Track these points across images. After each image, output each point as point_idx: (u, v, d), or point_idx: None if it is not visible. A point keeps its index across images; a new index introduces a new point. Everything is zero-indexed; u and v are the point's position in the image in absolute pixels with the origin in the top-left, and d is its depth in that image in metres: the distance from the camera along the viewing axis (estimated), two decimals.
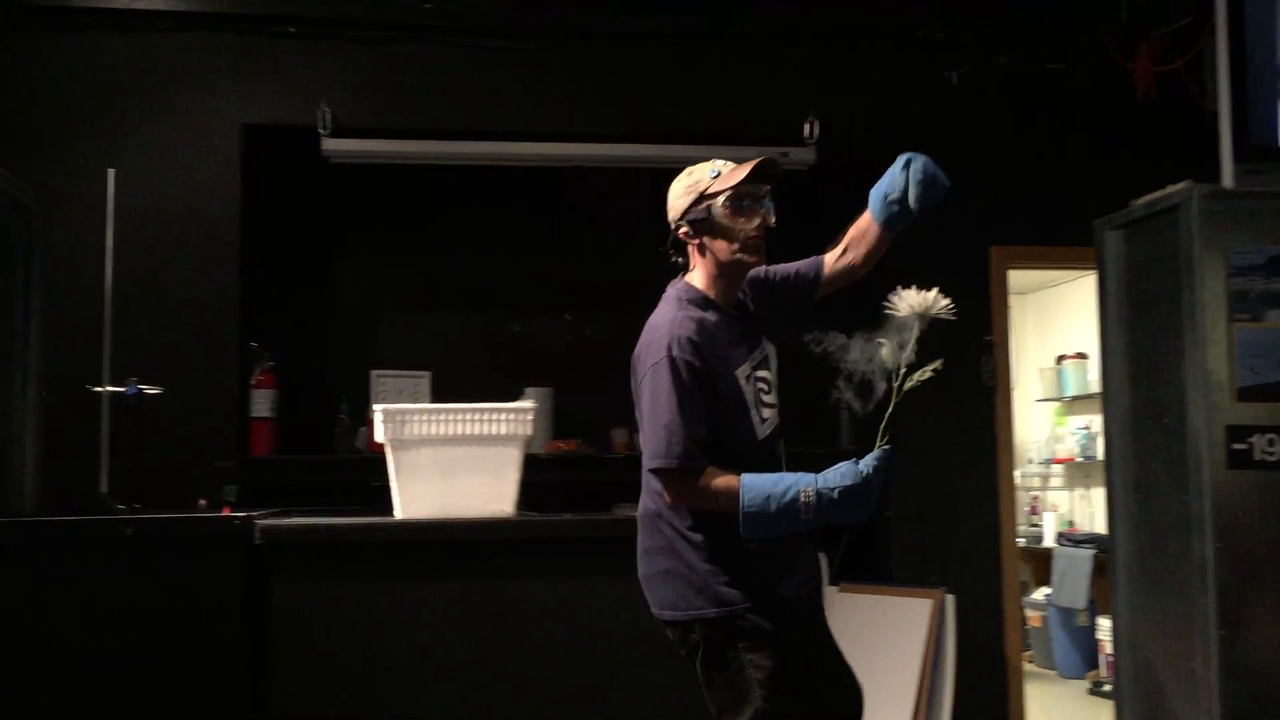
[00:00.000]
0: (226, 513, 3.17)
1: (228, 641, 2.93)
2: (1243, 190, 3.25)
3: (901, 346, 2.24)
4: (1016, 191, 4.74)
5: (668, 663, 2.85)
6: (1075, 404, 7.50)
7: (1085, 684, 6.27)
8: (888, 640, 4.08)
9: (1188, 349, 3.26)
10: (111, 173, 3.97)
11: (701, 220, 2.45)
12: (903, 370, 2.21)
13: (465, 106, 4.58)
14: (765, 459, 2.36)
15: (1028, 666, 6.57)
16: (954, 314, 2.29)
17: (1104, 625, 5.86)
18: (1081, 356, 7.22)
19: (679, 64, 4.66)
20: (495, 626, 2.83)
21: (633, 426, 4.79)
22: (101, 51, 4.41)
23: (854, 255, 2.56)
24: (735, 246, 2.43)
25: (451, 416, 2.89)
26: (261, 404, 4.45)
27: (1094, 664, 6.28)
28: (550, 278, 5.03)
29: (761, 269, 2.51)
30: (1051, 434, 7.77)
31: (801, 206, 4.87)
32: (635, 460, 4.63)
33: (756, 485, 2.24)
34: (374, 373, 4.60)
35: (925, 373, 2.22)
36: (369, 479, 3.57)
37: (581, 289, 5.03)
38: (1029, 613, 6.81)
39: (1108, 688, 5.40)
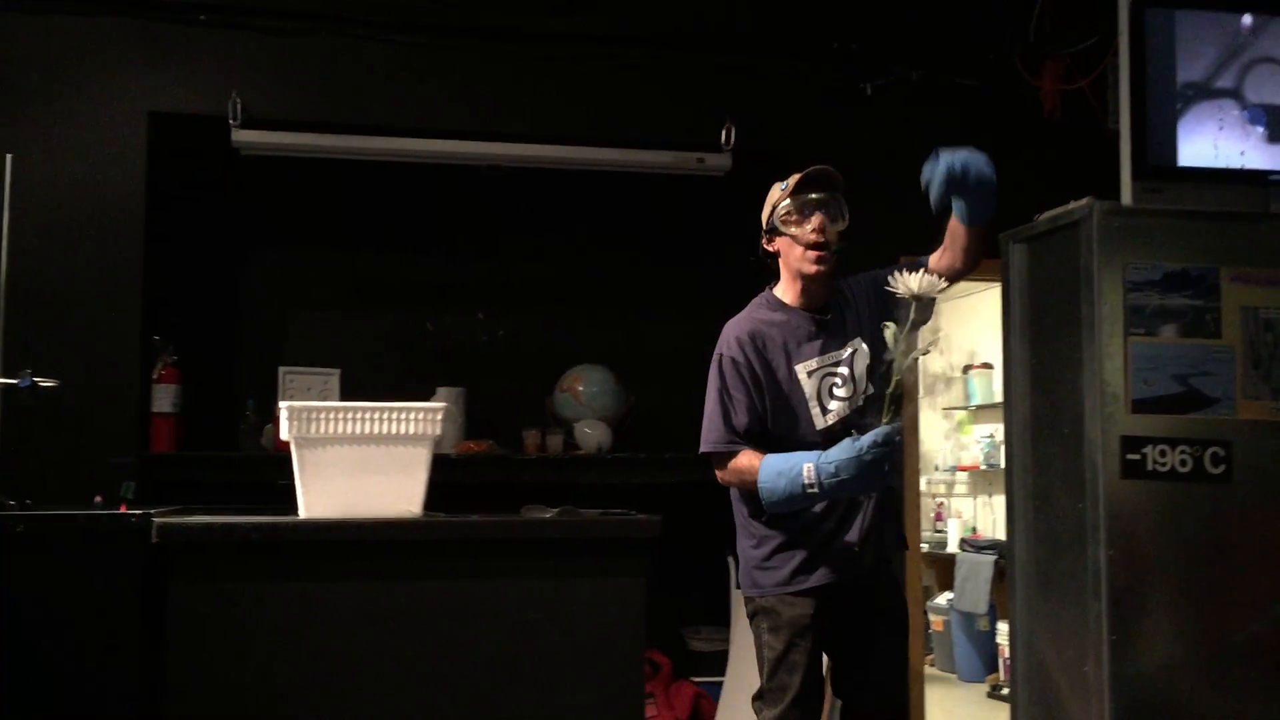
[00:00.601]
0: (123, 510, 3.09)
1: (123, 643, 2.85)
2: (1141, 208, 3.35)
3: (900, 325, 2.45)
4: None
5: (575, 665, 2.86)
6: (980, 413, 7.67)
7: (985, 687, 6.42)
8: None
9: (1085, 361, 3.35)
10: (10, 158, 3.84)
11: (772, 229, 2.73)
12: (901, 350, 2.42)
13: (379, 101, 4.53)
14: (829, 442, 2.58)
15: (929, 670, 6.70)
16: (944, 291, 2.55)
17: (1003, 630, 6.00)
18: (987, 366, 7.39)
19: (597, 66, 4.67)
20: (400, 628, 2.80)
21: (545, 428, 4.80)
22: (2, 33, 4.28)
23: (951, 254, 2.87)
24: (798, 251, 2.68)
25: (359, 415, 2.85)
26: (163, 399, 4.35)
27: (994, 668, 6.43)
28: (464, 277, 5.00)
29: (880, 271, 2.70)
30: (957, 442, 7.94)
31: (718, 212, 4.92)
32: (546, 462, 4.66)
33: (772, 464, 2.54)
34: (282, 369, 4.53)
35: (920, 352, 2.46)
36: (274, 477, 3.50)
37: (495, 288, 5.01)
38: (932, 617, 6.94)
39: (1006, 691, 5.52)
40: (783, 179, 2.85)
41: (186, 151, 4.58)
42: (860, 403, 2.68)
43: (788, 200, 2.68)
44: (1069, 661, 3.43)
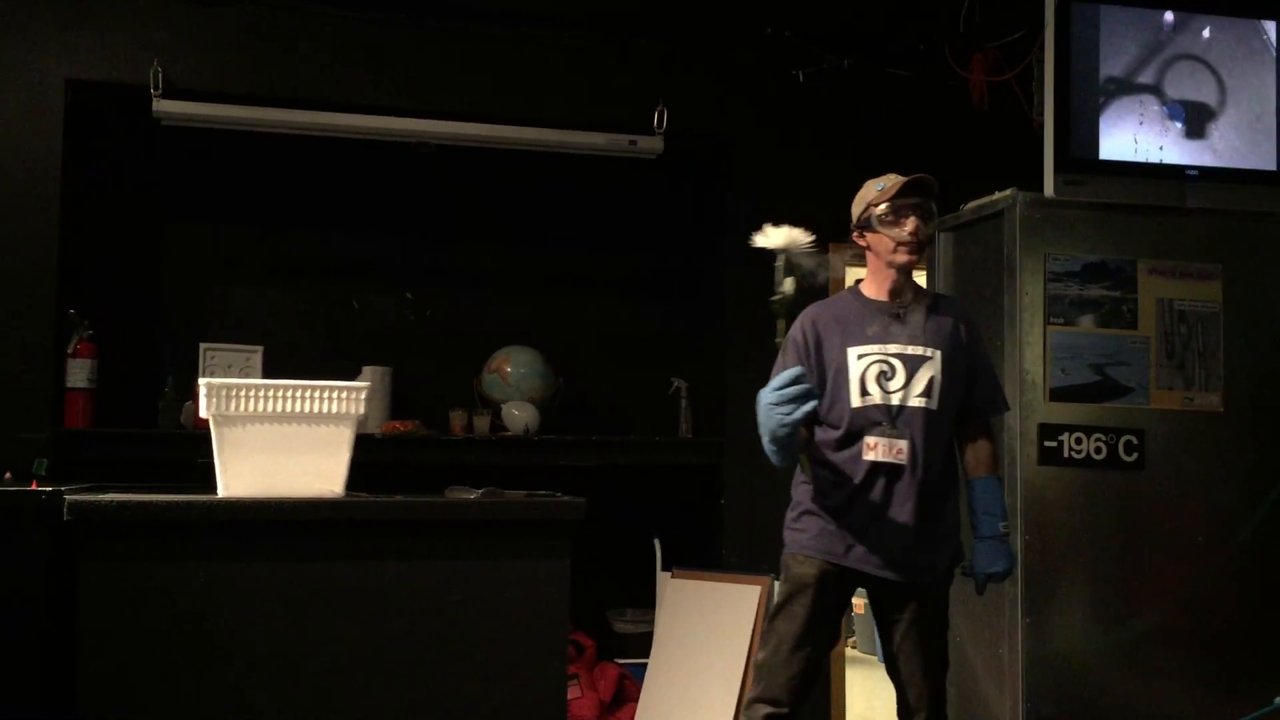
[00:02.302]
0: (34, 487, 3.02)
1: (30, 624, 2.78)
2: (1063, 200, 3.42)
3: (777, 274, 2.70)
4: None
5: (498, 646, 2.85)
6: None
7: None
8: (717, 626, 4.15)
9: (1007, 349, 3.42)
10: None
11: (867, 226, 2.91)
12: (786, 295, 2.67)
13: (306, 74, 4.44)
14: (859, 421, 2.80)
15: (851, 652, 6.78)
16: (814, 247, 2.74)
17: None
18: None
19: (529, 45, 4.63)
20: (321, 609, 2.77)
21: (472, 409, 4.77)
22: None
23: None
24: (891, 246, 2.87)
25: (281, 393, 2.80)
26: (78, 374, 4.23)
27: None
28: (391, 255, 4.93)
29: (974, 357, 2.93)
30: None
31: (650, 194, 4.91)
32: (473, 443, 4.63)
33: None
34: (203, 345, 4.44)
35: (783, 292, 2.67)
36: (193, 456, 3.44)
37: (423, 267, 4.95)
38: (854, 600, 7.02)
39: None
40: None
41: (106, 121, 4.45)
42: (914, 403, 2.81)
43: (886, 203, 2.88)
44: (984, 643, 3.50)
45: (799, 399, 2.58)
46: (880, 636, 2.94)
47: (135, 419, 4.45)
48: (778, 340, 2.78)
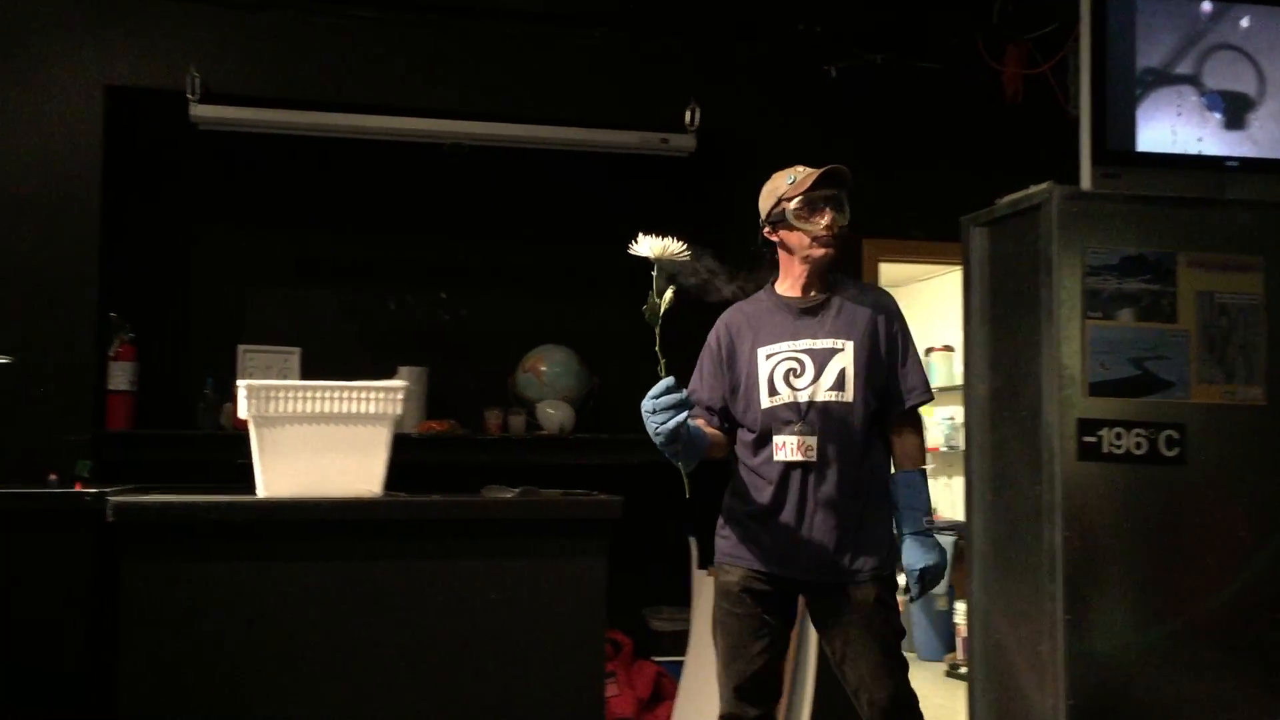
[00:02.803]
0: (78, 489, 3.06)
1: (75, 623, 2.82)
2: (1100, 193, 3.39)
3: (653, 283, 2.57)
4: (890, 186, 4.85)
5: (536, 644, 2.86)
6: (942, 395, 7.71)
7: (943, 666, 6.48)
8: None
9: (1044, 345, 3.39)
10: None
11: (779, 221, 2.81)
12: (658, 306, 2.54)
13: (341, 77, 4.48)
14: (769, 422, 2.76)
15: None
16: (688, 257, 2.59)
17: (961, 610, 6.06)
18: (948, 349, 7.44)
19: (561, 45, 4.64)
20: (360, 608, 2.78)
21: (507, 408, 4.79)
22: None
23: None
24: (806, 241, 2.79)
25: (319, 394, 2.82)
26: (120, 377, 4.29)
27: (952, 647, 6.49)
28: (426, 255, 4.96)
29: (895, 344, 2.84)
30: None
31: (682, 192, 4.91)
32: (508, 442, 4.64)
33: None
34: (241, 347, 4.48)
35: (661, 303, 2.53)
36: (233, 457, 3.47)
37: (458, 268, 4.97)
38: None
39: (964, 670, 5.58)
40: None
41: (144, 126, 4.51)
42: (823, 397, 2.74)
43: (800, 197, 2.77)
44: (1025, 641, 3.48)
45: (673, 408, 2.50)
46: (823, 644, 2.84)
47: (175, 421, 4.51)
48: (656, 349, 2.60)
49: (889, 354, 2.82)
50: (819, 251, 2.79)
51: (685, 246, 2.62)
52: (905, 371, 2.84)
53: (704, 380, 2.87)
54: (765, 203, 2.87)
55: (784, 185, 2.82)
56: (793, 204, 2.78)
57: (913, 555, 2.76)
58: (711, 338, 2.89)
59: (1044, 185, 3.42)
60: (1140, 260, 3.39)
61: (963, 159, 4.83)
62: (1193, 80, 3.45)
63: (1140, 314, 3.38)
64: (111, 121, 4.31)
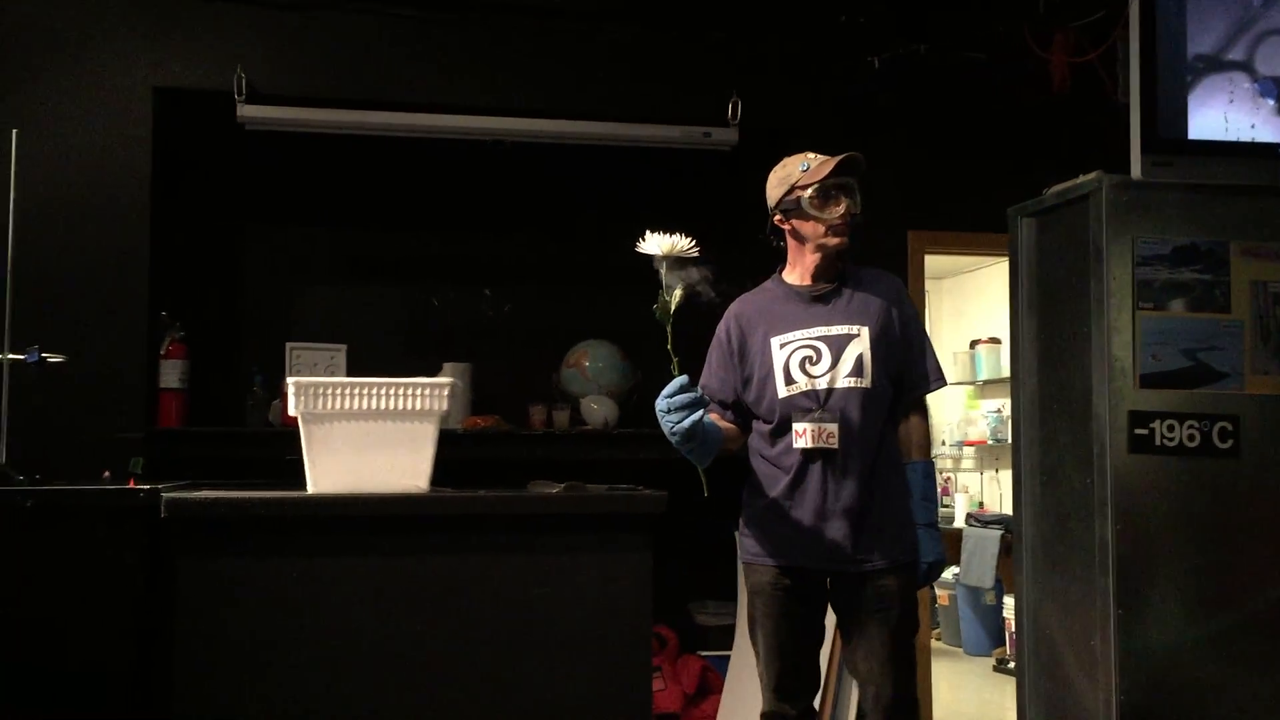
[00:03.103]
0: (131, 485, 3.10)
1: (131, 617, 2.87)
2: (1151, 182, 3.33)
3: (662, 284, 2.63)
4: (935, 177, 4.81)
5: (583, 639, 2.87)
6: (988, 388, 7.66)
7: (991, 661, 6.43)
8: None
9: (1094, 336, 3.34)
10: (15, 133, 3.85)
11: (792, 209, 2.78)
12: (669, 304, 2.60)
13: (384, 76, 4.51)
14: (788, 410, 2.75)
15: (935, 644, 6.71)
16: (696, 253, 2.62)
17: (1009, 604, 6.01)
18: (995, 341, 7.37)
19: (602, 40, 4.64)
20: (408, 604, 2.80)
21: (551, 404, 4.79)
22: (7, 8, 4.26)
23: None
24: (822, 230, 2.76)
25: (367, 391, 2.84)
26: (171, 375, 4.35)
27: (1000, 641, 6.44)
28: (469, 252, 4.99)
29: (906, 329, 2.83)
30: (964, 416, 7.93)
31: (725, 185, 4.90)
32: (552, 437, 4.66)
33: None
34: (289, 345, 4.53)
35: (674, 299, 2.58)
36: (282, 453, 3.51)
37: (501, 264, 5.00)
38: (938, 591, 6.96)
39: (1012, 665, 5.54)
40: (792, 153, 2.85)
41: (192, 127, 4.56)
42: (843, 384, 2.73)
43: (815, 185, 2.74)
44: (1076, 636, 3.44)
45: (688, 407, 2.50)
46: (840, 631, 2.84)
47: (225, 418, 4.57)
48: (668, 347, 2.63)
49: (903, 339, 2.81)
50: (833, 240, 2.76)
51: (694, 243, 2.62)
52: (918, 357, 2.83)
53: (714, 374, 2.86)
54: (776, 190, 2.83)
55: (797, 172, 2.78)
56: (808, 192, 2.75)
57: (925, 548, 2.77)
58: (721, 330, 2.87)
59: (1093, 175, 3.38)
60: (1192, 250, 3.34)
61: (1009, 149, 4.78)
62: (1245, 67, 3.39)
63: (1192, 304, 3.32)
64: (160, 122, 4.36)
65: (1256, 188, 3.38)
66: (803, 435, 2.72)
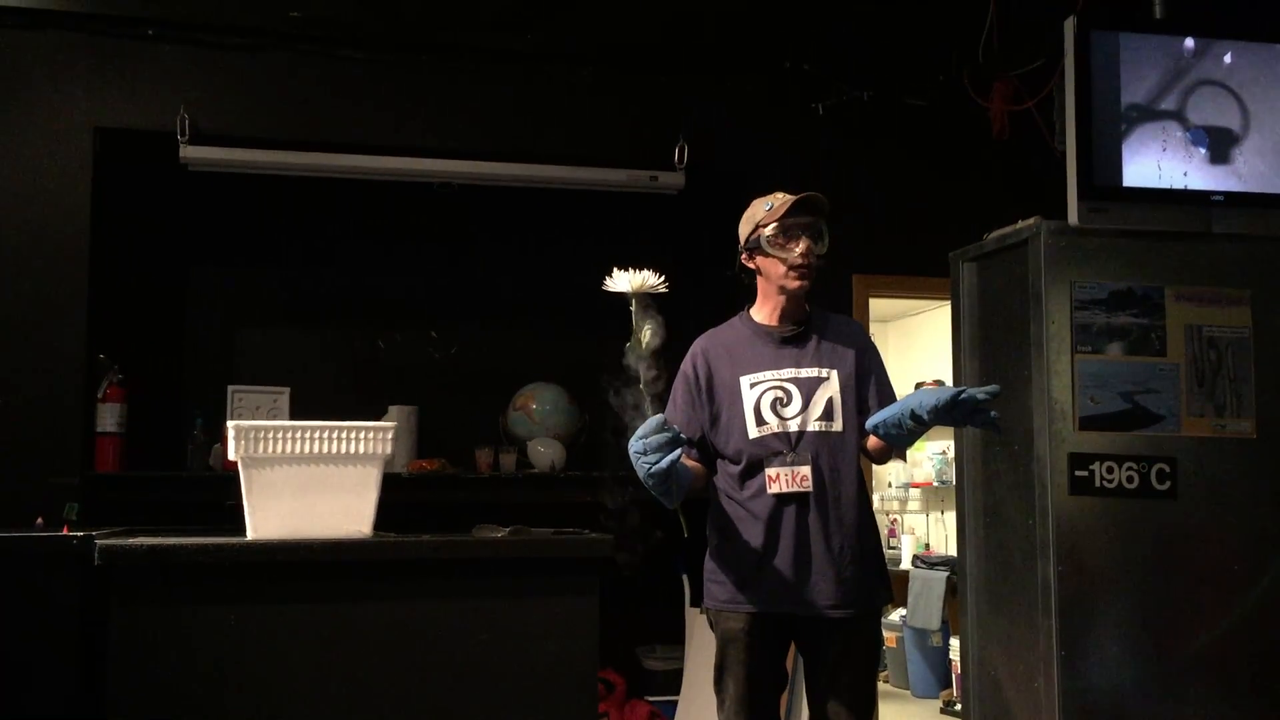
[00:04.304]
0: (65, 532, 3.03)
1: (62, 667, 2.80)
2: (1087, 228, 3.40)
3: (633, 319, 2.63)
4: (879, 222, 4.87)
5: (528, 684, 2.83)
6: (933, 430, 7.72)
7: (938, 703, 6.44)
8: None
9: (1034, 379, 3.39)
10: None
11: (755, 247, 2.79)
12: (640, 341, 2.61)
13: (329, 117, 4.50)
14: (758, 452, 2.72)
15: (883, 686, 6.71)
16: (665, 290, 2.64)
17: (956, 646, 6.03)
18: (939, 383, 7.44)
19: (548, 84, 4.67)
20: (350, 650, 2.76)
21: (498, 446, 4.76)
22: None
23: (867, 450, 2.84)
24: (782, 270, 2.76)
25: (308, 434, 2.81)
26: (109, 418, 4.28)
27: (947, 683, 6.45)
28: (415, 294, 4.96)
29: (869, 368, 2.84)
30: (910, 459, 7.99)
31: (671, 229, 4.93)
32: (499, 480, 4.63)
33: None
34: (231, 388, 4.47)
35: (646, 334, 2.60)
36: (222, 498, 3.46)
37: (447, 306, 4.98)
38: (885, 633, 6.96)
39: (959, 707, 5.55)
40: (749, 194, 2.89)
41: (133, 168, 4.51)
42: (814, 427, 2.72)
43: (775, 224, 2.75)
44: (1019, 677, 3.46)
45: (664, 447, 2.45)
46: (806, 675, 2.82)
47: (164, 462, 4.49)
48: (642, 388, 2.62)
49: (869, 385, 2.82)
50: (794, 283, 2.76)
51: (663, 279, 2.64)
52: (889, 390, 2.85)
53: (680, 410, 2.82)
54: (744, 229, 2.85)
55: (761, 212, 2.81)
56: (768, 230, 2.76)
57: (910, 402, 2.59)
58: (687, 366, 2.84)
59: (1031, 220, 3.44)
60: (1128, 294, 3.40)
61: (952, 194, 4.86)
62: (1177, 116, 3.48)
63: (1129, 348, 3.39)
64: (101, 163, 4.31)
65: (1190, 234, 3.46)
66: (776, 480, 2.70)
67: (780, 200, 2.79)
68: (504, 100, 4.64)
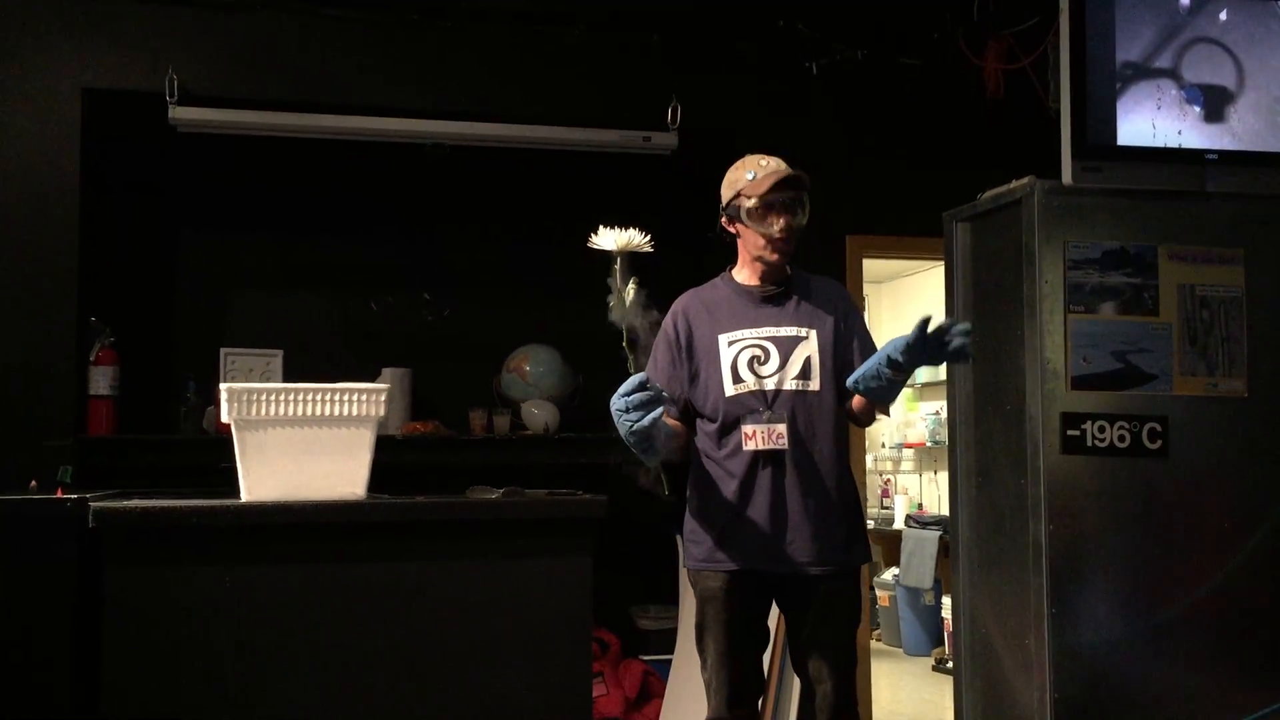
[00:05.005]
0: (59, 495, 3.03)
1: (58, 630, 2.80)
2: (1081, 187, 3.39)
3: (614, 277, 2.65)
4: (872, 182, 4.86)
5: (522, 645, 2.85)
6: (926, 390, 7.75)
7: (930, 661, 6.50)
8: None
9: (1027, 338, 3.39)
10: None
11: (735, 215, 2.81)
12: (624, 300, 2.62)
13: (320, 78, 4.46)
14: (735, 410, 2.74)
15: (876, 645, 6.78)
16: (651, 249, 2.64)
17: (948, 604, 6.07)
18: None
19: (539, 43, 4.63)
20: (344, 611, 2.77)
21: (492, 409, 4.76)
22: None
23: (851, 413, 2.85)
24: (761, 243, 2.78)
25: (301, 396, 2.80)
26: (101, 382, 4.27)
27: (939, 642, 6.51)
28: (409, 256, 4.95)
29: (850, 329, 2.83)
30: (903, 419, 8.01)
31: (664, 191, 4.91)
32: (493, 442, 4.63)
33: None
34: (224, 350, 4.46)
35: (629, 296, 2.61)
36: (216, 460, 3.46)
37: (441, 268, 4.96)
38: (878, 593, 7.02)
39: (950, 664, 5.60)
40: (741, 155, 2.87)
41: (122, 129, 4.48)
42: (790, 385, 2.73)
43: (755, 198, 2.74)
44: (1010, 635, 3.48)
45: (646, 405, 2.47)
46: (787, 632, 2.85)
47: (158, 425, 4.49)
48: (623, 345, 2.64)
49: (850, 344, 2.82)
50: (772, 256, 2.78)
51: (648, 238, 2.64)
52: (859, 354, 2.82)
53: (660, 369, 2.83)
54: (725, 192, 2.85)
55: (744, 179, 2.80)
56: (749, 202, 2.76)
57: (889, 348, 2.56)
58: (668, 324, 2.84)
59: (1025, 180, 3.43)
60: (1122, 254, 3.40)
61: (945, 154, 4.84)
62: (1172, 74, 3.46)
63: (1122, 307, 3.39)
64: (89, 124, 4.28)
65: (1184, 192, 3.45)
66: (752, 438, 2.71)
67: (763, 173, 2.77)
68: (495, 60, 4.60)
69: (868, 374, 2.58)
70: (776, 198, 2.75)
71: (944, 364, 2.70)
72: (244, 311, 4.79)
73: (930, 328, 2.48)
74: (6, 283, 4.13)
